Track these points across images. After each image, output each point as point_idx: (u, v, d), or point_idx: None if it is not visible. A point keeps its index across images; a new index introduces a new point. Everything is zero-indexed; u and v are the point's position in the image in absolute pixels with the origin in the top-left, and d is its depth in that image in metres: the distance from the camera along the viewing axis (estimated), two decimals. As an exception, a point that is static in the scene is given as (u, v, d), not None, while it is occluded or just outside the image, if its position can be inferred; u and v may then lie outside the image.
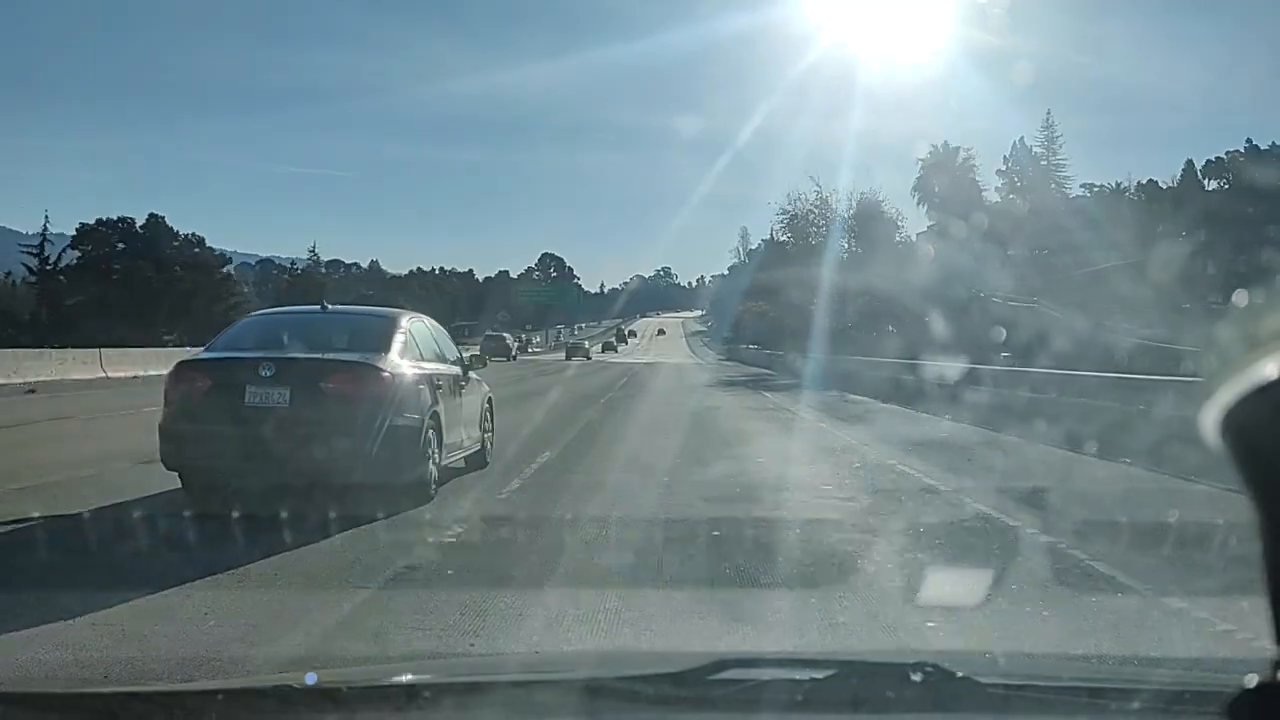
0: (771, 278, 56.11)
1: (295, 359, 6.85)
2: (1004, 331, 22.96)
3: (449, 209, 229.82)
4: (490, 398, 9.51)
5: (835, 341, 36.00)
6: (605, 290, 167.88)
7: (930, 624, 4.20)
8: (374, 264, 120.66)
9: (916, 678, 1.51)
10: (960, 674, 1.55)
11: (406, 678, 1.85)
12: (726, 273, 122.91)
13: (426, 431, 7.02)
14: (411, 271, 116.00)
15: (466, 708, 1.66)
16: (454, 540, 5.79)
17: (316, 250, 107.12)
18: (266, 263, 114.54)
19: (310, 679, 1.71)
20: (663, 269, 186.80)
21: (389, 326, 7.63)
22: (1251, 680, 0.92)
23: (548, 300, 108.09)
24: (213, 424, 6.64)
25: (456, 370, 8.33)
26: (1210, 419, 0.90)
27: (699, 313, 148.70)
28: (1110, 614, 4.42)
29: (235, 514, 5.64)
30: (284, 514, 5.54)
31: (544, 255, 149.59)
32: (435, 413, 7.22)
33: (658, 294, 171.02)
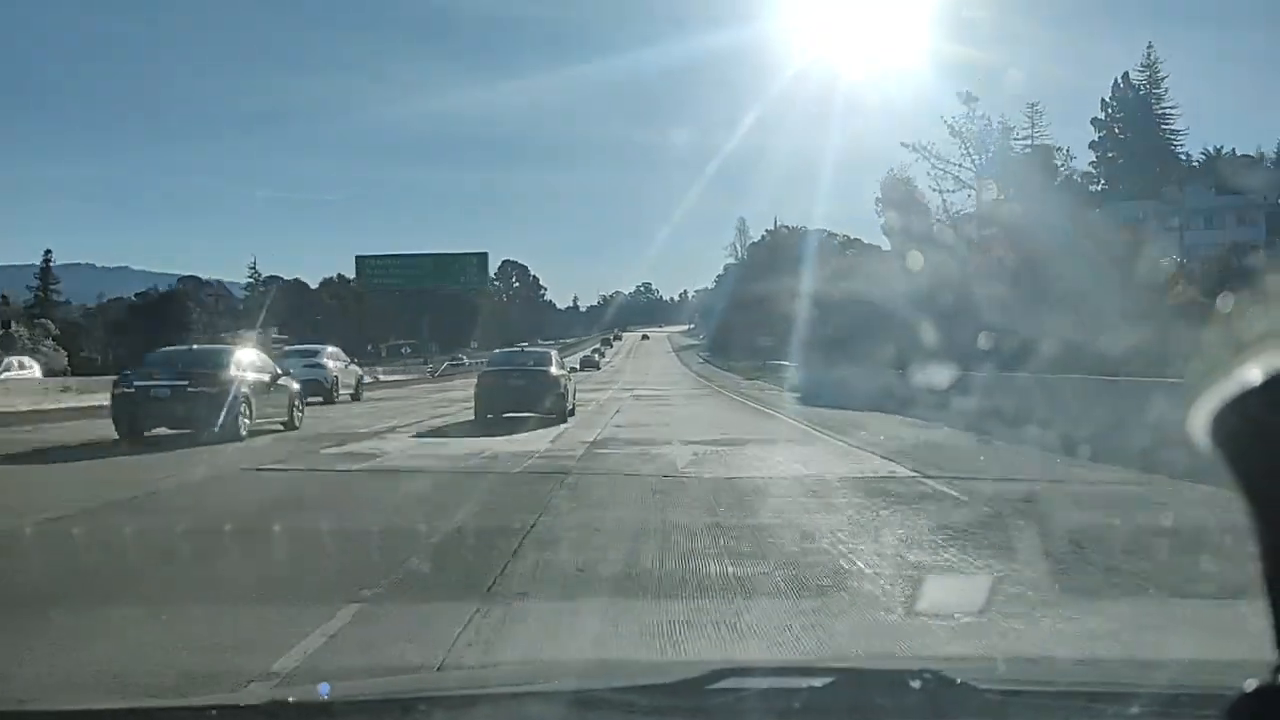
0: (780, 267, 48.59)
1: (524, 369, 17.73)
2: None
3: (422, 228, 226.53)
4: (575, 384, 20.27)
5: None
6: (581, 307, 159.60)
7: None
8: (327, 280, 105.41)
9: (915, 685, 1.51)
10: (959, 680, 1.55)
11: (398, 692, 1.84)
12: (723, 270, 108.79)
13: (566, 395, 17.72)
14: (325, 280, 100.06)
15: None
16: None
17: (256, 268, 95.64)
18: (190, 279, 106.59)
19: (324, 690, 1.71)
20: (643, 284, 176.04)
21: (550, 354, 19.44)
22: (1250, 684, 0.92)
23: (415, 283, 68.37)
24: (497, 392, 16.89)
25: (566, 371, 19.48)
26: (1200, 421, 0.90)
27: (686, 326, 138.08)
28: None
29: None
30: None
31: (504, 263, 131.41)
32: (567, 388, 17.97)
33: (639, 309, 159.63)
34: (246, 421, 13.80)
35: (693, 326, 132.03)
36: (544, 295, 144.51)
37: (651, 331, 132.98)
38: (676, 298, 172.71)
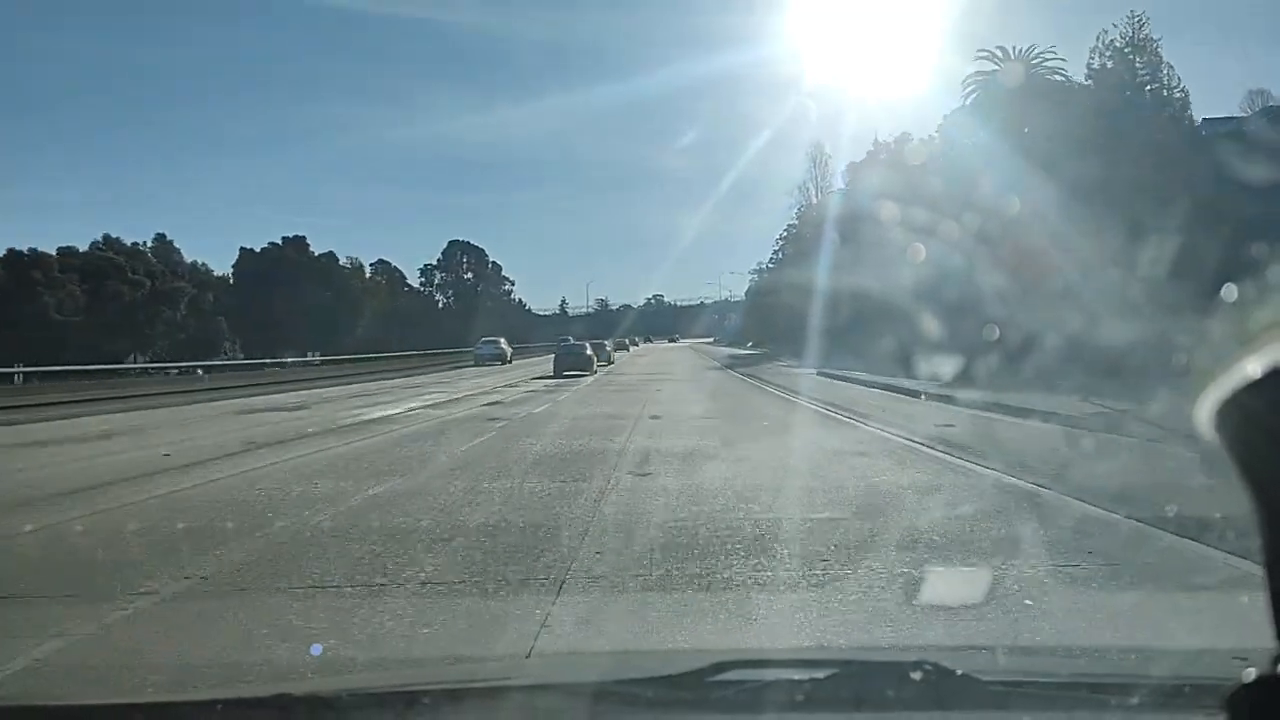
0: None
1: (576, 353, 38.34)
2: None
3: (414, 245, 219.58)
4: (597, 356, 40.80)
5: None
6: (571, 313, 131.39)
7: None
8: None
9: (916, 676, 1.51)
10: (960, 671, 1.55)
11: (404, 685, 1.85)
12: (796, 218, 63.89)
13: (597, 360, 39.33)
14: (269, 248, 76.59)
15: (466, 713, 1.65)
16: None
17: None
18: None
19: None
20: (654, 296, 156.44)
21: (586, 344, 41.33)
22: (1250, 674, 0.92)
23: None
24: (564, 362, 36.37)
25: (594, 354, 39.50)
26: (1206, 413, 0.91)
27: (710, 338, 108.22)
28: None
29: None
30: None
31: (451, 243, 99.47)
32: (594, 361, 38.52)
33: (647, 318, 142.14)
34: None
35: (716, 339, 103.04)
36: (510, 293, 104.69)
37: (664, 339, 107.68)
38: (695, 304, 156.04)
